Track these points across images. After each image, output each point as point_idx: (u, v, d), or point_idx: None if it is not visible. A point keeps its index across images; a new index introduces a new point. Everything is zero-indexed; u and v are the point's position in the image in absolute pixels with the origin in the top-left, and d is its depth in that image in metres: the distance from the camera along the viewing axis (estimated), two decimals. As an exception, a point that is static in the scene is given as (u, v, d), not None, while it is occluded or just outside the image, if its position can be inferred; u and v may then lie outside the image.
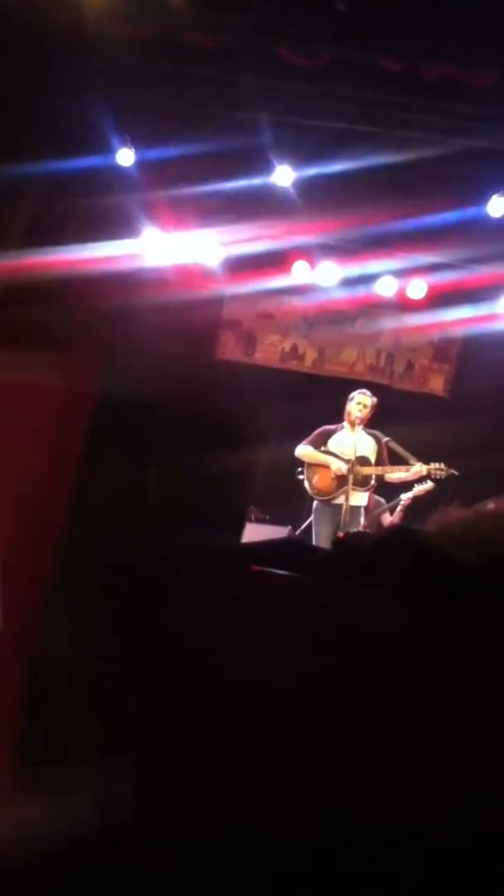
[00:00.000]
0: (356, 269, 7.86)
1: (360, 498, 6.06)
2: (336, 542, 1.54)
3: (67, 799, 1.23)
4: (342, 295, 8.13)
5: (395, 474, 6.10)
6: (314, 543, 5.73)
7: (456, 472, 6.02)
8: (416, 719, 1.17)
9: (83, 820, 1.21)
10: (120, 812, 1.21)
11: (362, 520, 6.13)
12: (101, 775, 1.25)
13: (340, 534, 5.65)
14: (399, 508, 6.59)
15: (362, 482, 6.00)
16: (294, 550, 1.61)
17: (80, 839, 1.19)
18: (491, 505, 1.54)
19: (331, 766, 1.18)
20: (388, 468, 6.09)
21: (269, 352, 8.54)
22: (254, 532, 6.13)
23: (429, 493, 6.26)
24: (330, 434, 6.25)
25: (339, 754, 1.18)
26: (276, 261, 7.86)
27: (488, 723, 1.16)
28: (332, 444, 6.21)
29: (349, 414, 6.13)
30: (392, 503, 6.69)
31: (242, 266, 7.97)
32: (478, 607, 1.25)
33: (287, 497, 6.83)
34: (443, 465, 6.04)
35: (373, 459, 6.11)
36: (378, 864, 1.12)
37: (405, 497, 6.47)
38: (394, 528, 1.44)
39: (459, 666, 1.19)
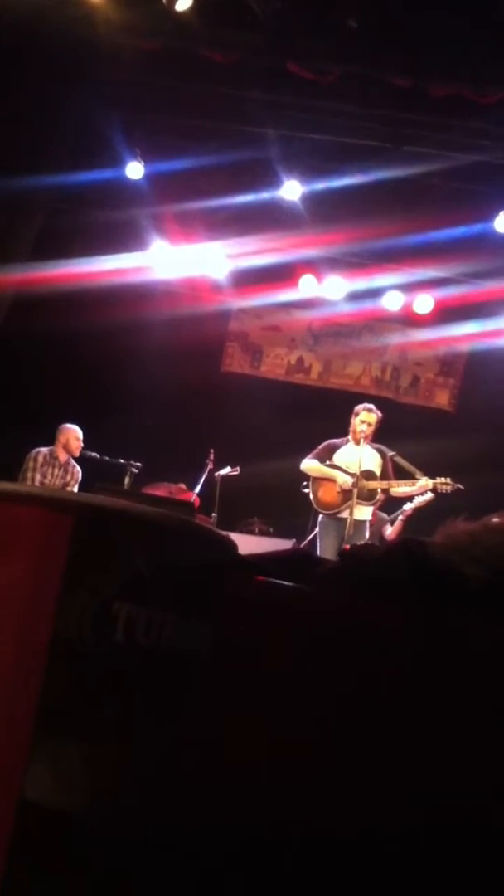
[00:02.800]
0: (363, 283, 7.88)
1: (364, 512, 6.05)
2: (343, 553, 1.54)
3: None
4: (348, 309, 8.15)
5: (401, 488, 6.08)
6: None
7: (461, 487, 6.01)
8: (416, 721, 1.18)
9: None
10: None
11: (367, 533, 6.12)
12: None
13: (346, 546, 5.64)
14: (400, 519, 6.59)
15: (367, 496, 5.99)
16: (300, 562, 1.62)
17: None
18: (497, 519, 1.54)
19: (328, 760, 1.18)
20: (394, 482, 6.08)
21: (275, 364, 8.56)
22: (257, 545, 6.12)
23: (428, 504, 6.25)
24: (335, 448, 6.25)
25: (335, 750, 1.19)
26: (283, 274, 7.89)
27: (487, 731, 1.17)
28: (338, 457, 6.20)
29: (354, 430, 6.12)
30: (393, 515, 6.68)
31: (250, 279, 8.00)
32: (482, 617, 1.25)
33: (291, 510, 6.82)
34: (448, 480, 6.02)
35: (378, 473, 6.10)
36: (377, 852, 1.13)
37: (407, 508, 6.47)
38: (402, 540, 1.44)
39: (462, 672, 1.20)
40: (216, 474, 7.00)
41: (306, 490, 6.29)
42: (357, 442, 6.06)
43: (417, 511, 6.40)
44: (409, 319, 8.10)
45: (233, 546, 1.45)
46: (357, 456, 5.98)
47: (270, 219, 7.42)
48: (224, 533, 1.48)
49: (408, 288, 7.82)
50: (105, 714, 1.26)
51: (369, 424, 6.11)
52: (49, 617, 1.25)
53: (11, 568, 1.27)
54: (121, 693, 1.27)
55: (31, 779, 1.22)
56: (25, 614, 1.26)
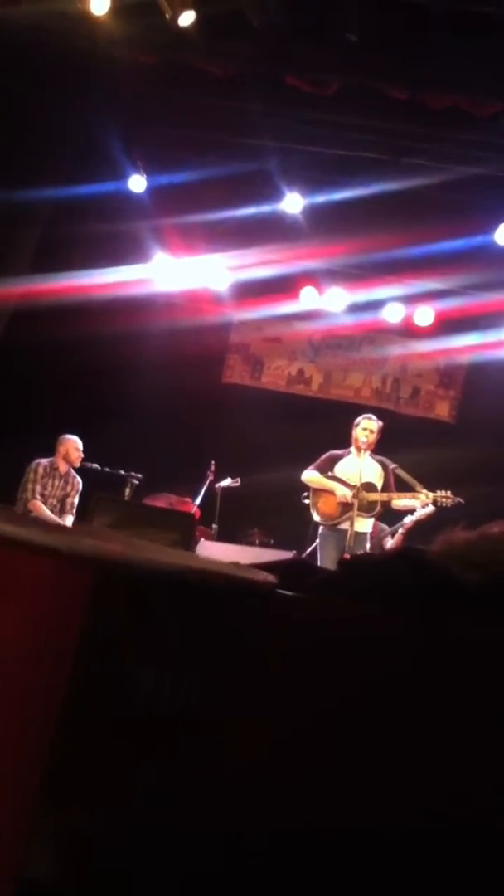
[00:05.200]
0: (363, 294, 7.90)
1: (365, 524, 6.04)
2: (342, 562, 1.53)
3: None
4: (349, 320, 8.17)
5: (402, 501, 6.08)
6: (319, 568, 5.68)
7: (462, 500, 6.00)
8: (417, 725, 1.17)
9: None
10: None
11: (367, 545, 6.11)
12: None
13: (346, 555, 5.64)
14: (400, 532, 6.58)
15: (367, 508, 5.99)
16: (299, 571, 1.61)
17: None
18: (496, 528, 1.54)
19: (329, 765, 1.18)
20: (394, 495, 6.08)
21: (276, 376, 8.58)
22: (257, 556, 6.11)
23: (430, 517, 6.24)
24: (336, 459, 6.25)
25: (336, 755, 1.18)
26: (283, 286, 7.91)
27: (486, 734, 1.16)
28: (339, 469, 6.20)
29: (356, 440, 6.12)
30: (394, 527, 6.67)
31: (250, 291, 8.03)
32: (480, 624, 1.25)
33: (292, 522, 6.82)
34: (449, 493, 6.02)
35: (379, 485, 6.09)
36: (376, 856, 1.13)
37: (407, 521, 6.46)
38: (399, 548, 1.43)
39: (461, 677, 1.19)
40: (217, 486, 7.01)
41: (307, 501, 6.28)
42: (359, 451, 6.06)
43: (418, 524, 6.39)
44: (409, 331, 8.12)
45: (269, 588, 1.32)
46: (358, 467, 5.98)
47: (271, 231, 7.45)
48: (261, 579, 1.34)
49: (408, 300, 7.84)
50: (117, 787, 1.19)
51: (371, 431, 6.11)
52: (61, 682, 1.15)
53: (21, 627, 1.15)
54: (135, 762, 1.19)
55: (31, 855, 1.14)
56: (34, 679, 1.15)
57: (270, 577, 1.32)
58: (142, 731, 1.20)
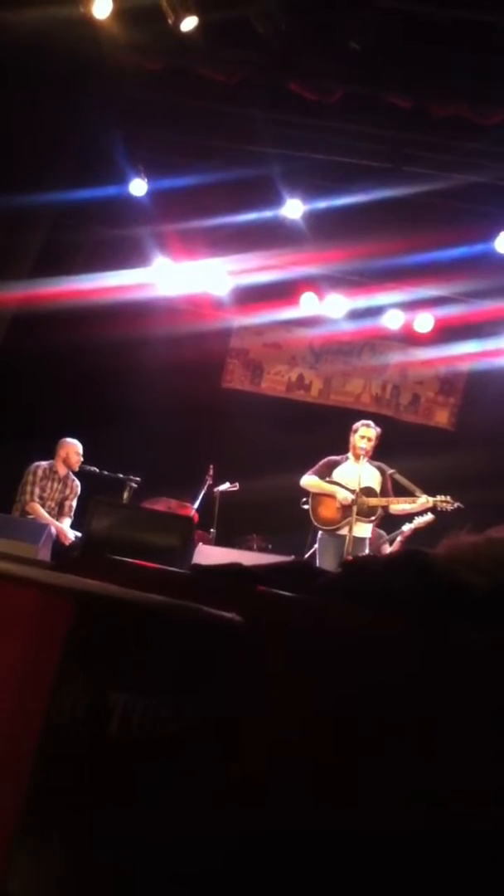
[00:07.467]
0: (363, 301, 7.91)
1: (364, 529, 6.04)
2: (345, 563, 1.53)
3: None
4: (349, 327, 8.18)
5: (401, 506, 6.08)
6: (318, 573, 5.67)
7: (462, 505, 6.00)
8: (418, 727, 1.17)
9: None
10: None
11: (366, 551, 6.10)
12: None
13: (349, 557, 5.63)
14: (399, 540, 6.57)
15: (367, 513, 5.99)
16: (301, 572, 1.61)
17: None
18: (502, 532, 1.54)
19: (329, 766, 1.18)
20: (394, 499, 6.08)
21: (276, 381, 8.58)
22: (256, 561, 6.09)
23: (429, 525, 6.24)
24: (335, 464, 6.25)
25: (337, 756, 1.18)
26: (284, 292, 7.92)
27: (487, 736, 1.16)
28: (337, 474, 6.20)
29: (354, 446, 6.13)
30: (393, 535, 6.67)
31: (251, 296, 8.04)
32: (483, 629, 1.25)
33: (290, 527, 6.81)
34: (449, 498, 6.02)
35: (378, 491, 6.10)
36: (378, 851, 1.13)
37: (406, 528, 6.46)
38: (405, 550, 1.43)
39: (463, 681, 1.19)
40: (215, 490, 7.00)
41: (306, 506, 6.28)
42: (357, 458, 6.07)
43: (417, 532, 6.38)
44: (409, 338, 8.13)
45: (235, 624, 1.37)
46: (357, 473, 5.98)
47: (272, 236, 7.46)
48: (228, 614, 1.40)
49: (408, 307, 7.86)
50: (93, 809, 1.22)
51: (369, 439, 6.12)
52: (41, 707, 1.19)
53: (4, 653, 1.20)
54: (110, 786, 1.22)
55: (12, 872, 1.18)
56: (16, 704, 1.19)
57: (237, 617, 1.35)
58: (117, 751, 1.23)
